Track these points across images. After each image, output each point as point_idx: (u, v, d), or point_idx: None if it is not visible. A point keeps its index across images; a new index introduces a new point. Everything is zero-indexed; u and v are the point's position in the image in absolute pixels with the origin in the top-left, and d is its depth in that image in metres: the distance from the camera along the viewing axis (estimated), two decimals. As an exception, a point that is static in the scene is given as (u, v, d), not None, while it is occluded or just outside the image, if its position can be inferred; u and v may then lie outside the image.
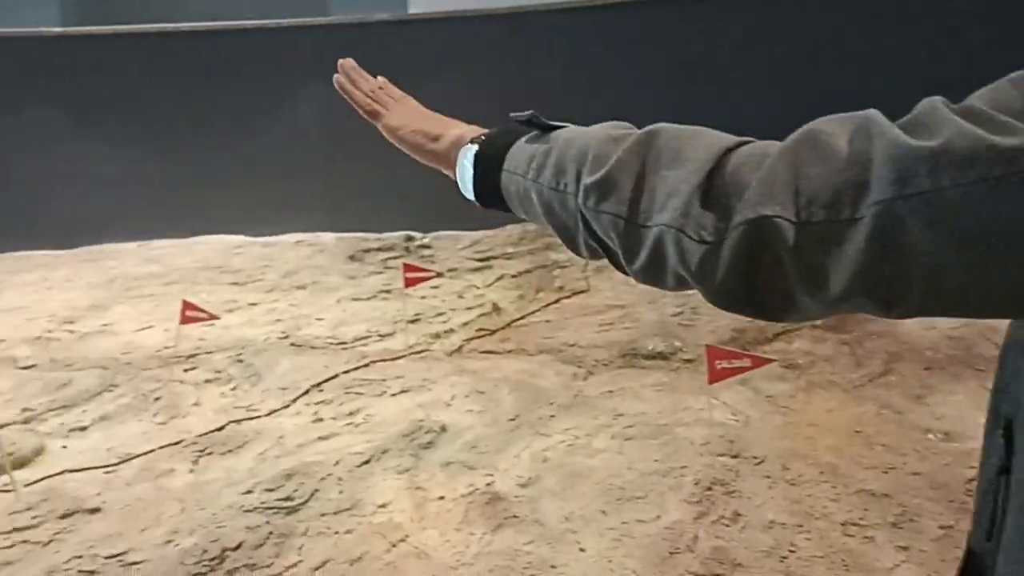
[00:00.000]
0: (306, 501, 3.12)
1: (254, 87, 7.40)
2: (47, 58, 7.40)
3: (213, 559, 2.76)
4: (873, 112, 0.65)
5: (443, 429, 3.66)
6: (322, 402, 4.02)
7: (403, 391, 4.08)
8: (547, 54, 6.91)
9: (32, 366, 4.58)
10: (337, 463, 3.37)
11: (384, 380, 4.21)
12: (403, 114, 1.14)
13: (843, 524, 2.82)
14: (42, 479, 3.34)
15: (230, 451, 3.56)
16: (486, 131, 1.00)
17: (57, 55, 7.40)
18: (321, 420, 3.84)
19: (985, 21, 5.68)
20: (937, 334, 4.20)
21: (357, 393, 4.09)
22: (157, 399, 4.09)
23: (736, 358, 3.02)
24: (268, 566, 2.74)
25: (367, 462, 3.38)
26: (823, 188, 0.64)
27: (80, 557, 2.80)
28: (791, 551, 2.70)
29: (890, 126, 0.63)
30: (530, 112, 0.93)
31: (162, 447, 3.60)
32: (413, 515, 3.03)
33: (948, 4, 5.91)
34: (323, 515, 3.02)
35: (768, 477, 3.10)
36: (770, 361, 3.17)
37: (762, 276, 0.69)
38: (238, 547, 2.83)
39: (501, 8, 7.07)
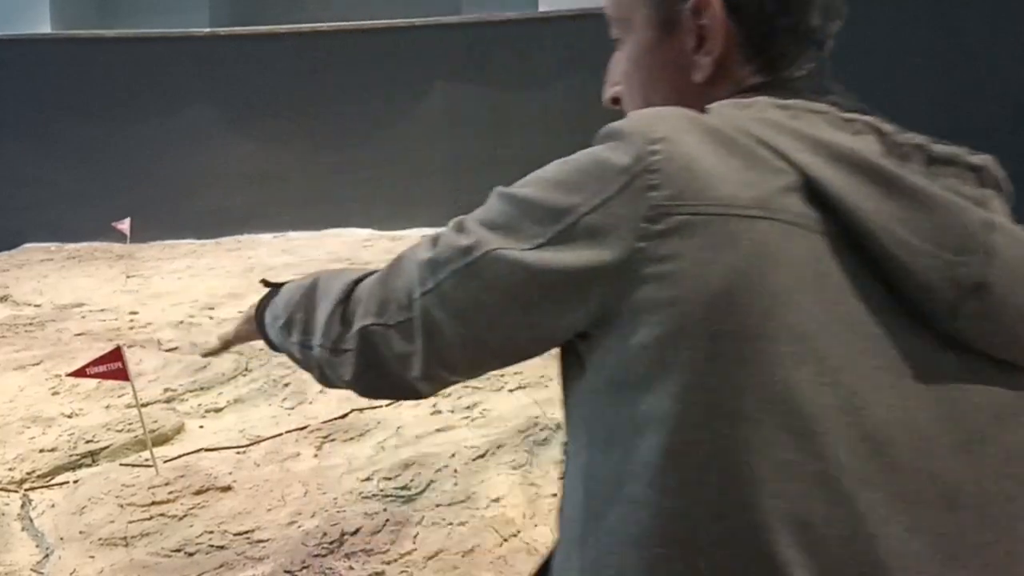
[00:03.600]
0: (422, 491, 3.20)
1: (386, 85, 7.61)
2: (196, 57, 7.83)
3: (332, 542, 2.87)
4: (438, 233, 0.87)
5: (558, 427, 3.67)
6: (441, 395, 4.11)
7: (520, 387, 4.12)
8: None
9: (174, 348, 4.88)
10: (453, 455, 3.44)
11: (502, 376, 4.25)
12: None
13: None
14: (180, 456, 3.55)
15: (352, 439, 3.69)
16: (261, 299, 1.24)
17: (206, 55, 7.83)
18: (439, 413, 3.93)
19: None
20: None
21: (475, 388, 4.15)
22: (287, 385, 4.27)
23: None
24: (384, 552, 2.83)
25: (482, 456, 3.44)
26: (394, 296, 0.88)
27: (211, 532, 2.97)
28: None
29: (426, 247, 0.87)
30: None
31: (289, 431, 3.76)
32: (526, 511, 3.06)
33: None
34: (438, 506, 3.09)
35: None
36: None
37: (381, 368, 0.91)
38: (356, 532, 2.93)
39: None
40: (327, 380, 1.01)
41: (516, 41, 7.37)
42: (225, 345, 1.34)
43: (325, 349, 0.96)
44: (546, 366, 4.34)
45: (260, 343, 1.18)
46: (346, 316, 0.93)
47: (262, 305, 1.19)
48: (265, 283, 1.21)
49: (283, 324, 1.07)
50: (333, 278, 1.00)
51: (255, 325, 1.20)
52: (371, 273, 0.96)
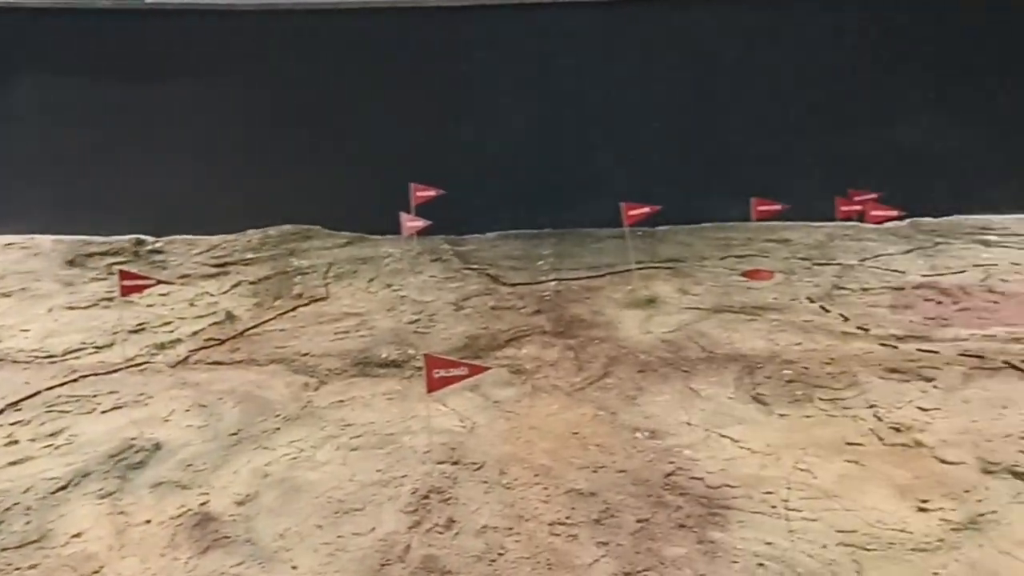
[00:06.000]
0: (-15, 535, 2.81)
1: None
2: None
3: None
4: None
5: (157, 447, 3.44)
6: (19, 423, 3.65)
7: (116, 407, 3.79)
8: (294, 55, 6.72)
9: None
10: (27, 490, 3.07)
11: (95, 396, 3.89)
12: None
13: (551, 524, 2.93)
14: None
15: (-103, 483, 3.15)
16: None
17: None
18: (16, 443, 3.49)
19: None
20: (653, 338, 4.48)
21: (61, 411, 3.75)
22: None
23: (453, 367, 3.06)
24: (-71, 613, 2.45)
25: (64, 488, 3.11)
26: None
27: None
28: (500, 554, 2.77)
29: None
30: None
31: None
32: (112, 543, 2.82)
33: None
34: (3, 551, 2.74)
35: (485, 482, 3.17)
36: (487, 368, 3.24)
37: None
38: None
39: (250, 4, 6.80)
40: None
41: (119, 32, 6.80)
42: None
43: None
44: (147, 383, 4.05)
45: None
46: None
47: None
48: None
49: None
50: None
51: None
52: None
